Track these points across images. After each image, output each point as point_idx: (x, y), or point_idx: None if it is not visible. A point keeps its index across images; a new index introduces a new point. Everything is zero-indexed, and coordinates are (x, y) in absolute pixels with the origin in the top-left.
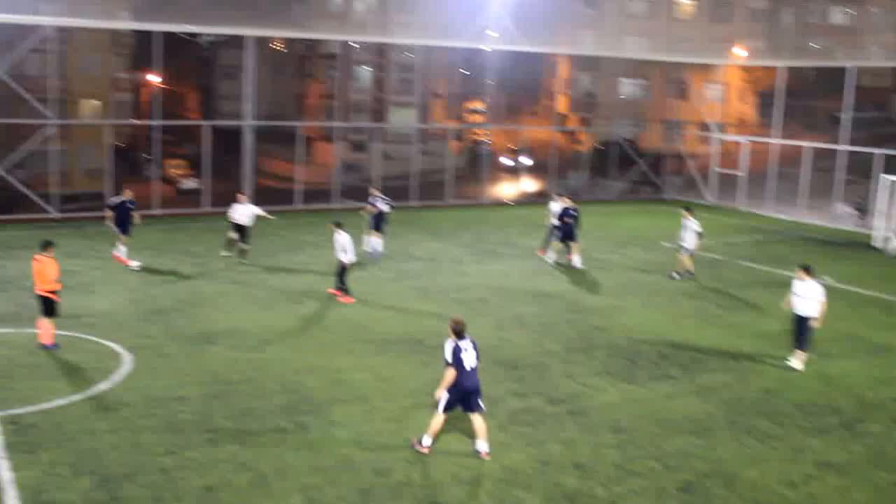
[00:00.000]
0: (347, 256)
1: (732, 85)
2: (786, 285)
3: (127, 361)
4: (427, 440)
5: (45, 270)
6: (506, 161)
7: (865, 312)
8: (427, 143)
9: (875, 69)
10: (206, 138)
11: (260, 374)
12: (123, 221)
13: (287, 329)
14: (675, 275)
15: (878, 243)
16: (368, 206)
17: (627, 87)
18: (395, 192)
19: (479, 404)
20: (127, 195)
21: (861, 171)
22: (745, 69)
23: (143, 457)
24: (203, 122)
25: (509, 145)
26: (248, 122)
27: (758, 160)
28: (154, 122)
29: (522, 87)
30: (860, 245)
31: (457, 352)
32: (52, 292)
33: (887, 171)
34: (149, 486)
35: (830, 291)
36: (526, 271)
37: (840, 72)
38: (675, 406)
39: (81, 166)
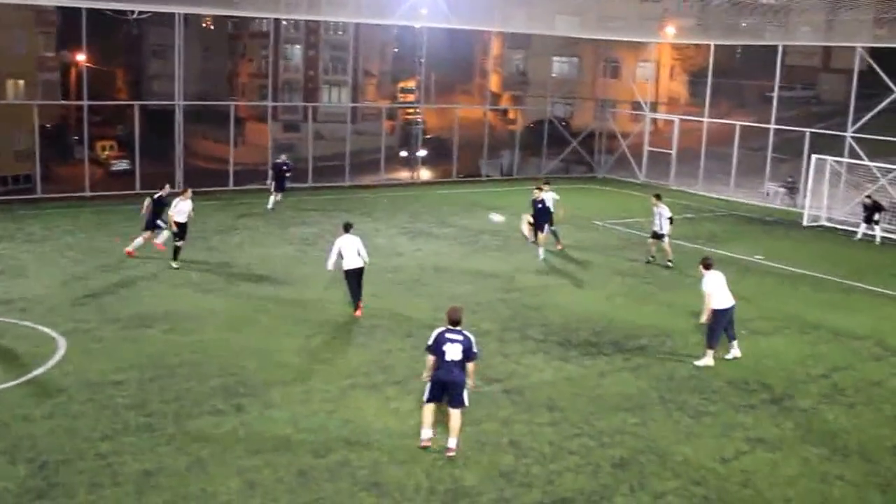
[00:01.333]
0: (362, 259)
1: (664, 63)
2: (723, 262)
3: (61, 346)
4: (425, 432)
5: None
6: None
7: (796, 290)
8: (360, 123)
9: (804, 48)
10: (137, 119)
11: (197, 357)
12: (156, 216)
13: (223, 311)
14: (669, 263)
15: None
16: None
17: (559, 66)
18: (329, 171)
19: (459, 400)
20: (165, 191)
21: (791, 149)
22: (676, 48)
23: (79, 442)
24: (133, 103)
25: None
26: (179, 102)
27: (689, 139)
28: (82, 103)
29: (455, 66)
30: (790, 223)
31: (439, 339)
32: None
33: (816, 150)
34: (86, 471)
35: (761, 269)
36: (460, 251)
37: (770, 50)
38: (609, 384)
39: (9, 148)
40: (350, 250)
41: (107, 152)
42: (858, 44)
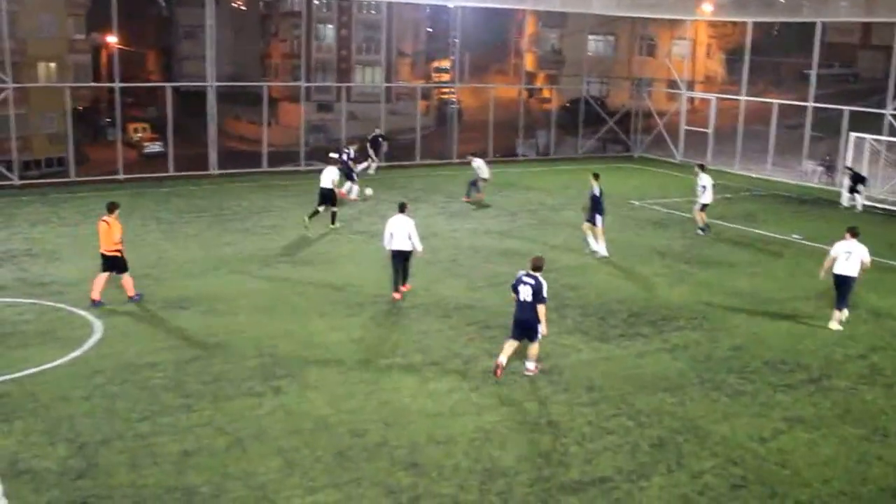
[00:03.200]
0: (412, 243)
1: (700, 41)
2: (760, 241)
3: (98, 329)
4: (500, 358)
5: (109, 232)
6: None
7: None
8: (394, 103)
9: (843, 25)
10: (169, 101)
11: (233, 338)
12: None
13: (259, 293)
14: (699, 231)
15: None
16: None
17: (595, 44)
18: (363, 152)
19: (533, 338)
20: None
21: (829, 127)
22: (713, 25)
23: (118, 423)
24: (165, 84)
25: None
26: (212, 84)
27: (726, 117)
28: (114, 85)
29: (489, 45)
30: (828, 202)
31: (517, 280)
32: (116, 251)
33: (854, 128)
34: (125, 451)
35: (799, 249)
36: (497, 231)
37: (808, 27)
38: (647, 364)
39: (41, 131)
40: (401, 232)
41: (139, 134)
42: None
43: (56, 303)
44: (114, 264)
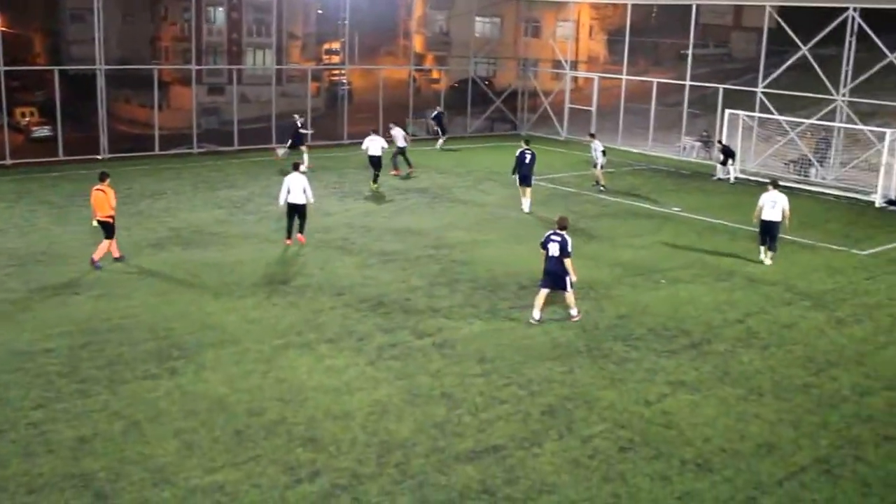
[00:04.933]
0: (306, 197)
1: (583, 23)
2: (642, 214)
3: None
4: (535, 313)
5: (106, 199)
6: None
7: (712, 239)
8: (285, 85)
9: (716, 7)
10: (57, 84)
11: (128, 322)
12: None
13: (153, 276)
14: (601, 188)
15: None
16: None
17: (481, 26)
18: (255, 134)
19: (563, 285)
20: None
21: (705, 105)
22: (595, 7)
23: (11, 412)
24: (53, 68)
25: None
26: (101, 67)
27: (608, 96)
28: None
29: (378, 27)
30: (706, 176)
31: (546, 238)
32: (110, 217)
33: (729, 106)
34: (19, 441)
35: (679, 220)
36: (389, 210)
37: (684, 10)
38: (537, 335)
39: None
40: (297, 187)
41: (27, 119)
42: (767, 2)
43: None
44: (109, 229)
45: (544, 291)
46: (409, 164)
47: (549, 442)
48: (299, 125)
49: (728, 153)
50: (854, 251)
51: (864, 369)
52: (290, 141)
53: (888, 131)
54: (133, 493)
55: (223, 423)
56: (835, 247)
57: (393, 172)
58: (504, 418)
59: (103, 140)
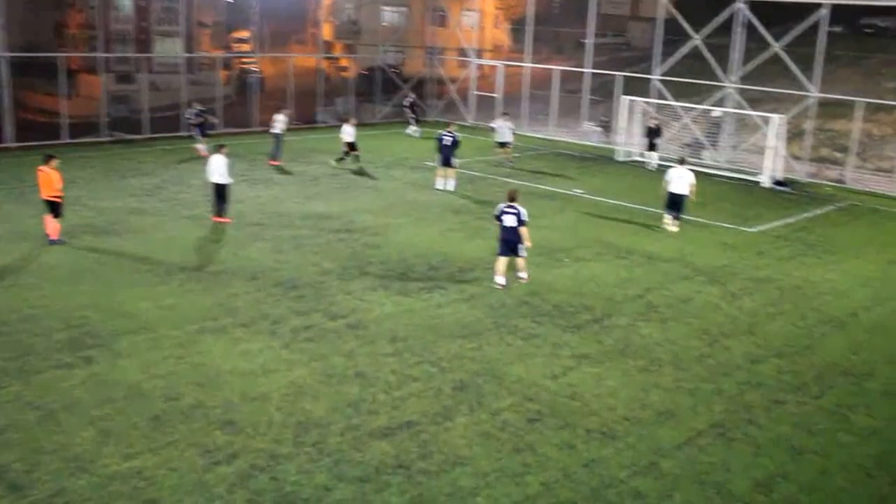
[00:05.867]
0: (224, 178)
1: (487, 12)
2: (545, 196)
3: None
4: (498, 279)
5: (48, 179)
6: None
7: (612, 219)
8: (196, 73)
9: None
10: None
11: (39, 312)
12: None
13: (65, 265)
14: (507, 162)
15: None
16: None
17: (389, 15)
18: (166, 122)
19: (517, 252)
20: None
21: (605, 91)
22: None
23: None
24: None
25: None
26: (3, 55)
27: (512, 83)
28: None
29: (288, 16)
30: (605, 159)
31: (500, 212)
32: (57, 196)
33: (627, 92)
34: None
35: (581, 202)
36: (300, 196)
37: (583, 0)
38: (446, 314)
39: None
40: (217, 168)
41: None
42: None
43: None
44: (53, 207)
45: (503, 259)
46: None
47: (461, 416)
48: (198, 112)
49: (656, 133)
50: (744, 229)
51: (755, 339)
52: (199, 130)
53: (774, 116)
54: (49, 483)
55: (140, 410)
56: (727, 225)
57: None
58: (416, 395)
59: (9, 129)
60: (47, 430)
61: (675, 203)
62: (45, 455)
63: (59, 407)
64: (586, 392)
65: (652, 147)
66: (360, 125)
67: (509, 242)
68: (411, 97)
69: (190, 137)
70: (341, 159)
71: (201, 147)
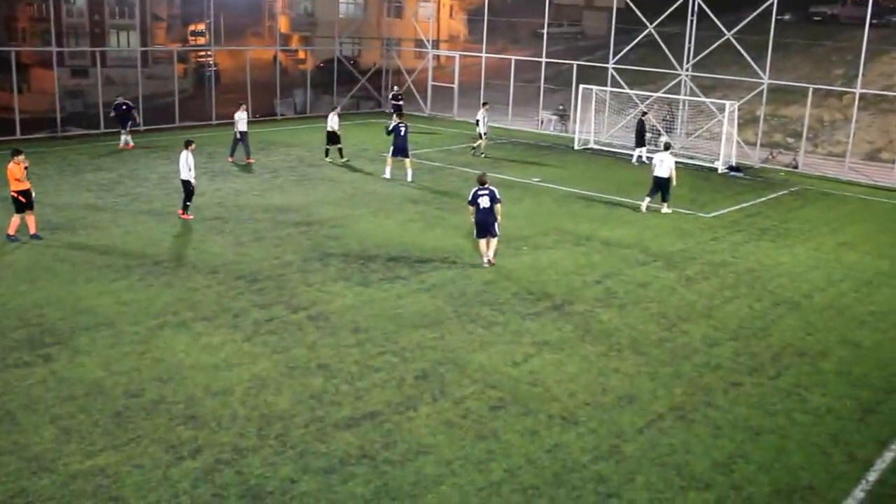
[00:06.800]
0: (191, 174)
1: (443, 3)
2: (504, 185)
3: None
4: (485, 258)
5: (10, 174)
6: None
7: (570, 207)
8: (151, 67)
9: None
10: None
11: None
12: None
13: (20, 262)
14: (481, 154)
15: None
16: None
17: (345, 7)
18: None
19: (493, 232)
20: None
21: (561, 80)
22: None
23: None
24: None
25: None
26: None
27: (469, 73)
28: None
29: (244, 8)
30: (562, 147)
31: (474, 194)
32: (22, 192)
33: (583, 81)
34: None
35: (539, 190)
36: (260, 188)
37: None
38: (407, 303)
39: None
40: (183, 164)
41: None
42: None
43: None
44: (16, 204)
45: (482, 240)
46: (232, 153)
47: (424, 405)
48: (120, 105)
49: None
50: (700, 214)
51: (712, 322)
52: (129, 123)
53: (727, 103)
54: (9, 484)
55: (101, 407)
56: (683, 210)
57: (230, 159)
58: (379, 385)
59: None
60: (6, 430)
61: (658, 187)
62: (4, 455)
63: (18, 406)
64: (548, 378)
65: (641, 142)
66: (317, 117)
67: (484, 224)
68: (396, 89)
69: (134, 132)
70: (337, 153)
71: (123, 139)
